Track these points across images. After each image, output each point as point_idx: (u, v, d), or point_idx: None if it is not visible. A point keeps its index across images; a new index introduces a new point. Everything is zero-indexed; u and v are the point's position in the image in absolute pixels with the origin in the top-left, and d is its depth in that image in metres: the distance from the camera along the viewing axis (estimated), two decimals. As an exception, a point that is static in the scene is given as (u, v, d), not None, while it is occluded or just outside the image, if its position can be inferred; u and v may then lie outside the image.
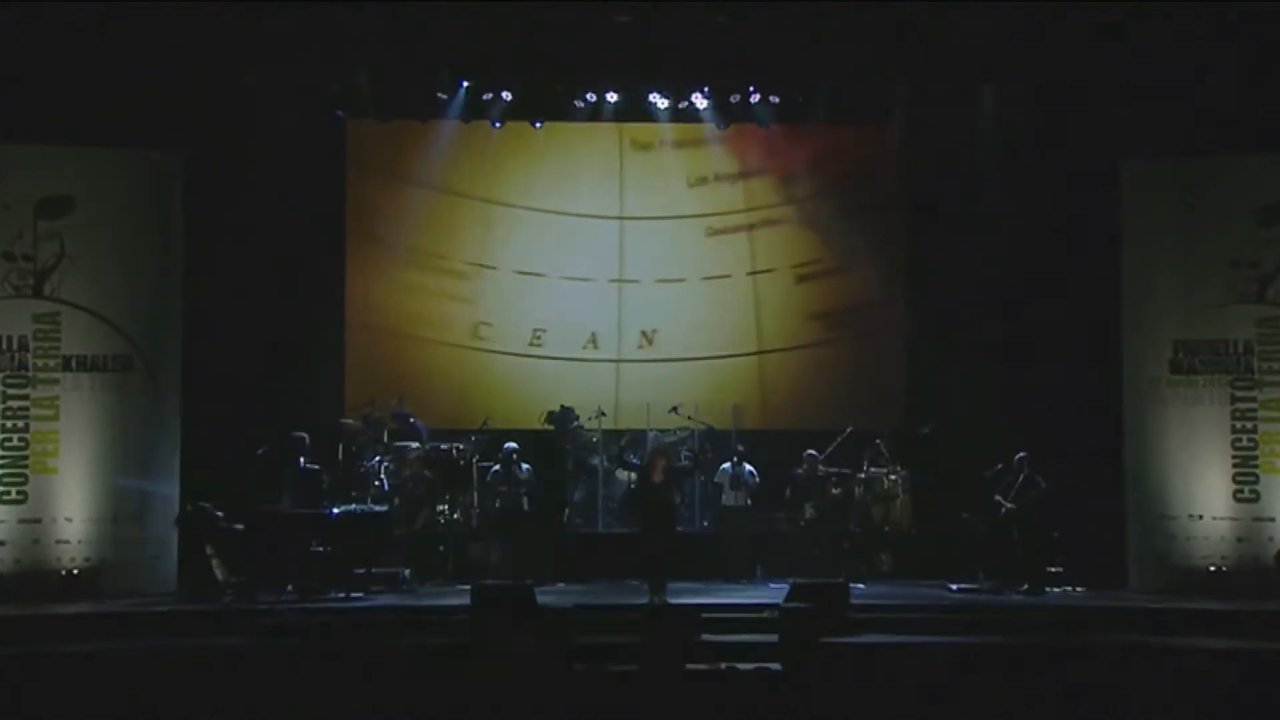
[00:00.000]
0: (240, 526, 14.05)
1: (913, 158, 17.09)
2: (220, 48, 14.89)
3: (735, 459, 15.69)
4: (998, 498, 14.73)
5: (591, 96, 16.57)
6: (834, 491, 15.52)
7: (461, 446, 15.70)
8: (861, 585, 14.66)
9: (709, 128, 17.02)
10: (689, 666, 10.96)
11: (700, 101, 16.64)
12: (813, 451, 15.57)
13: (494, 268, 17.24)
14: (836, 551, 15.37)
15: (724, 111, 16.76)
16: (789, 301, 17.33)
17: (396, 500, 15.16)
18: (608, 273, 17.31)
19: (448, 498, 15.30)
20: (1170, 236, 15.02)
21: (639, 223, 17.38)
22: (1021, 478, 14.67)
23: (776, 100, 16.56)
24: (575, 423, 16.36)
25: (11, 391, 14.32)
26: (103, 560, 14.32)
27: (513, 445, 15.34)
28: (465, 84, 16.36)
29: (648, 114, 16.88)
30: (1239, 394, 14.68)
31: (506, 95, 16.48)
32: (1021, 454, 14.73)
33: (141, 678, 11.38)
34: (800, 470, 15.53)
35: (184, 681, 11.39)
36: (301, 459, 14.48)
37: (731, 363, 17.25)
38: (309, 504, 14.21)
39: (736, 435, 16.29)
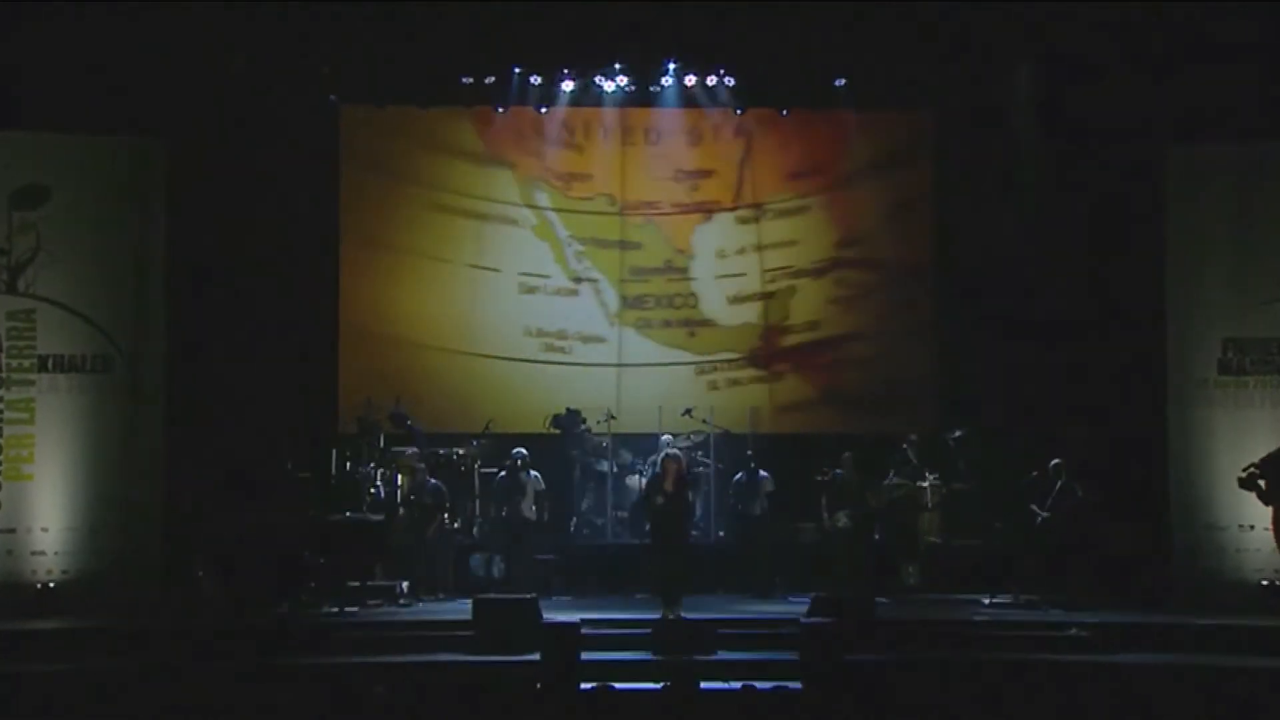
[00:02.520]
0: (228, 537, 14.08)
1: (945, 145, 17.16)
2: (206, 27, 14.95)
3: (750, 465, 15.72)
4: (1033, 507, 14.73)
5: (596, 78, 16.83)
6: (873, 502, 15.54)
7: (462, 451, 15.77)
8: (887, 599, 14.68)
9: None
10: (703, 686, 10.98)
11: (712, 82, 16.88)
12: (849, 454, 15.59)
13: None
14: (861, 564, 15.37)
15: (740, 97, 17.01)
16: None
17: (405, 510, 15.22)
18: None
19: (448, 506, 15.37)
20: (1220, 227, 14.99)
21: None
22: (1058, 486, 14.67)
23: (795, 85, 16.73)
24: (582, 426, 16.42)
25: (-15, 394, 14.42)
26: (81, 573, 14.37)
27: (522, 450, 15.40)
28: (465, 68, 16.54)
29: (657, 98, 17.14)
30: (1293, 395, 14.69)
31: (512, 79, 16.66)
32: (1057, 460, 14.73)
33: (122, 698, 11.43)
34: (839, 474, 15.55)
35: (168, 702, 11.44)
36: (290, 464, 14.57)
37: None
38: (300, 511, 14.27)
39: (753, 440, 16.33)
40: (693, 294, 17.58)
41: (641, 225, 17.57)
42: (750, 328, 17.56)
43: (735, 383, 17.46)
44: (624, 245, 17.55)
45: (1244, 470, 13.94)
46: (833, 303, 17.51)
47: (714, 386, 17.41)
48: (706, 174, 17.59)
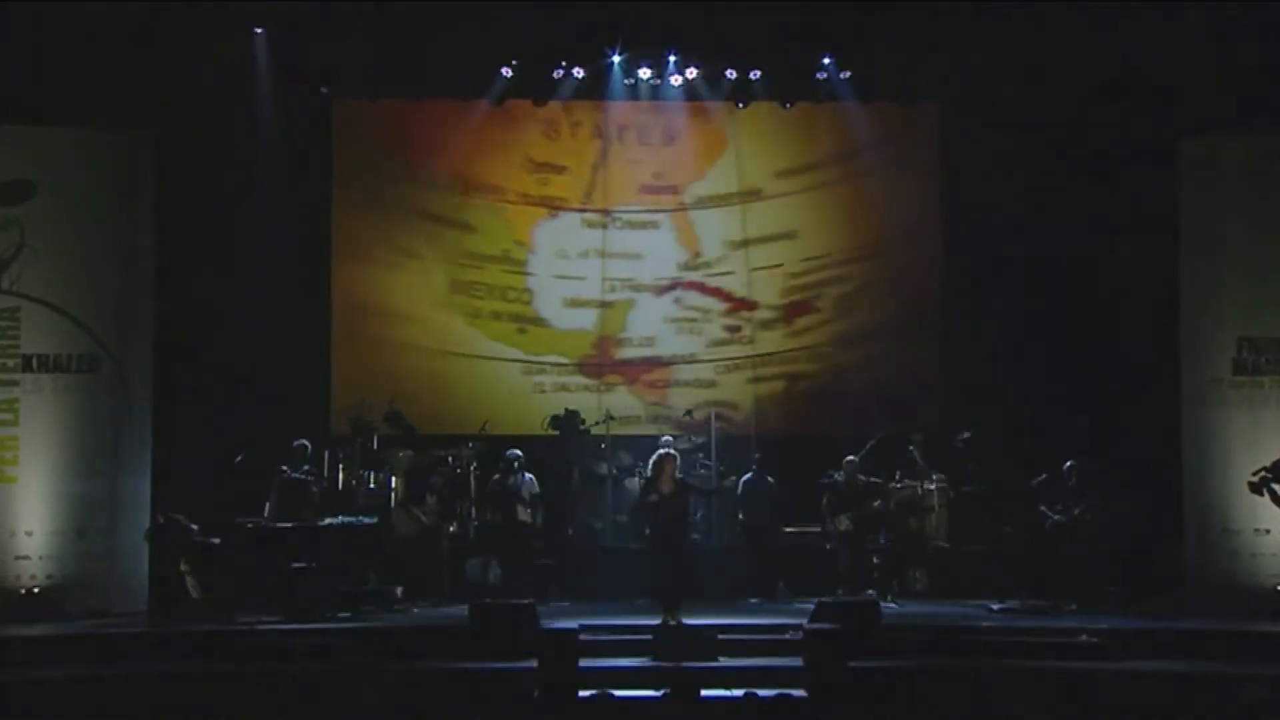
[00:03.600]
0: (217, 540, 14.11)
1: (951, 139, 17.17)
2: (195, 17, 14.96)
3: (754, 469, 15.74)
4: (1043, 509, 14.74)
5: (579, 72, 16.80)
6: (875, 504, 15.56)
7: (458, 453, 15.79)
8: (894, 604, 14.71)
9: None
10: (704, 693, 11.01)
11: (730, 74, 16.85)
12: (852, 458, 15.58)
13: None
14: (866, 568, 15.41)
15: (743, 89, 16.99)
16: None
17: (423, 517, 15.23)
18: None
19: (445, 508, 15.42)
20: (1234, 224, 14.93)
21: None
22: (1069, 488, 14.69)
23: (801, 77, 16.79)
24: (581, 428, 16.44)
25: (-33, 394, 14.41)
26: (66, 577, 14.36)
27: (516, 452, 15.43)
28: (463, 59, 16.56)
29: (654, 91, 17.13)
30: (1310, 396, 14.67)
31: (506, 71, 16.63)
32: (1070, 462, 14.74)
33: (108, 706, 11.46)
34: (839, 478, 15.58)
35: (155, 710, 11.48)
36: (304, 466, 14.60)
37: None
38: (296, 516, 14.29)
39: (756, 443, 16.34)
40: (527, 290, 17.52)
41: (483, 209, 17.48)
42: (583, 334, 17.55)
43: (563, 388, 17.41)
44: (461, 226, 17.47)
45: (1254, 474, 13.92)
46: (671, 322, 17.54)
47: (540, 389, 17.36)
48: (558, 169, 17.54)
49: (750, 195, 17.60)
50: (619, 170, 17.57)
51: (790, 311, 17.56)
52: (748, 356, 17.55)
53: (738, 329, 17.60)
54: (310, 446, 14.86)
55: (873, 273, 17.52)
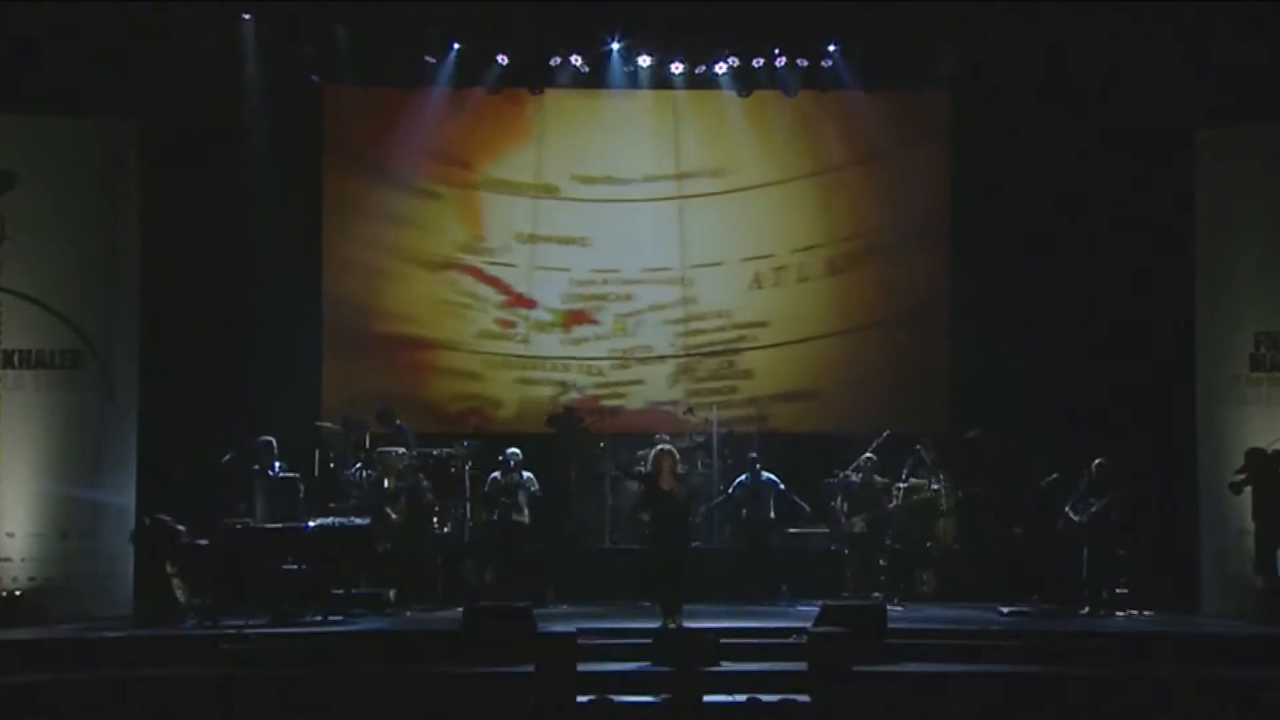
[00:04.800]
0: (204, 542, 14.11)
1: (960, 129, 17.15)
2: (182, 3, 14.96)
3: (754, 467, 15.75)
4: (1068, 511, 14.72)
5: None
6: (890, 505, 15.55)
7: (452, 452, 15.80)
8: (900, 607, 14.71)
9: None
10: (706, 698, 11.02)
11: (719, 67, 16.81)
12: (870, 455, 15.59)
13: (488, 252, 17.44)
14: (874, 570, 15.41)
15: (745, 79, 16.93)
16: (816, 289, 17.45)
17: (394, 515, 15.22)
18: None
19: (438, 509, 15.40)
20: (1252, 215, 14.92)
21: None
22: (1082, 487, 14.68)
23: (805, 65, 16.70)
24: (580, 426, 16.45)
25: (-54, 392, 14.41)
26: (49, 580, 14.35)
27: (515, 451, 15.44)
28: (456, 46, 16.51)
29: (663, 81, 17.03)
30: (1330, 393, 14.67)
31: (501, 59, 16.60)
32: (1099, 460, 14.70)
33: (93, 712, 11.47)
34: (855, 478, 15.57)
35: (141, 716, 11.49)
36: (275, 464, 14.58)
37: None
38: (281, 517, 14.30)
39: (758, 441, 16.34)
40: None
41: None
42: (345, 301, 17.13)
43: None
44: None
45: (1235, 473, 14.04)
46: (440, 303, 17.28)
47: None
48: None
49: (546, 190, 17.35)
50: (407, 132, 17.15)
51: (570, 319, 17.40)
52: (519, 356, 17.36)
53: (512, 325, 17.39)
54: (275, 442, 14.80)
55: (873, 271, 17.44)
